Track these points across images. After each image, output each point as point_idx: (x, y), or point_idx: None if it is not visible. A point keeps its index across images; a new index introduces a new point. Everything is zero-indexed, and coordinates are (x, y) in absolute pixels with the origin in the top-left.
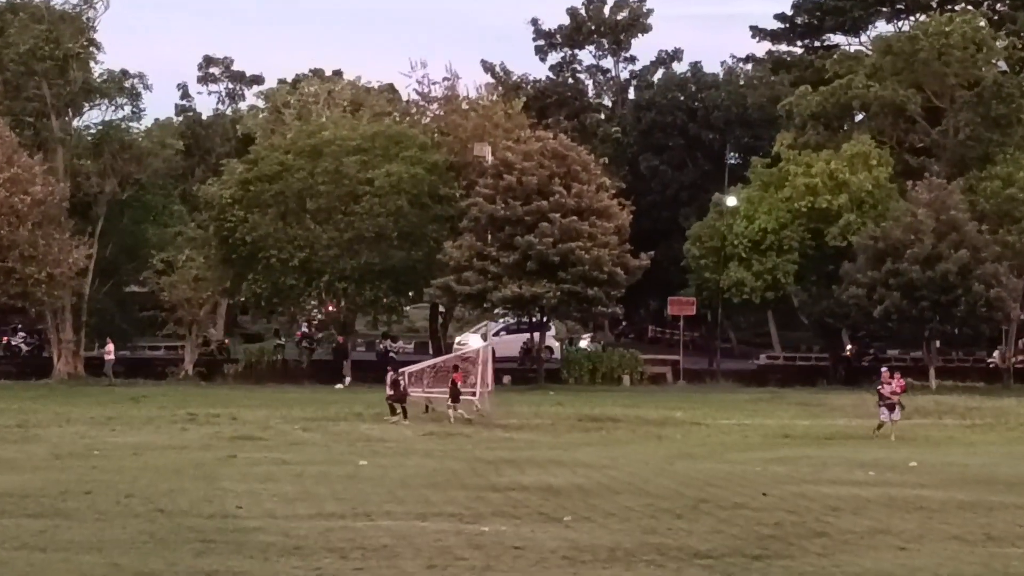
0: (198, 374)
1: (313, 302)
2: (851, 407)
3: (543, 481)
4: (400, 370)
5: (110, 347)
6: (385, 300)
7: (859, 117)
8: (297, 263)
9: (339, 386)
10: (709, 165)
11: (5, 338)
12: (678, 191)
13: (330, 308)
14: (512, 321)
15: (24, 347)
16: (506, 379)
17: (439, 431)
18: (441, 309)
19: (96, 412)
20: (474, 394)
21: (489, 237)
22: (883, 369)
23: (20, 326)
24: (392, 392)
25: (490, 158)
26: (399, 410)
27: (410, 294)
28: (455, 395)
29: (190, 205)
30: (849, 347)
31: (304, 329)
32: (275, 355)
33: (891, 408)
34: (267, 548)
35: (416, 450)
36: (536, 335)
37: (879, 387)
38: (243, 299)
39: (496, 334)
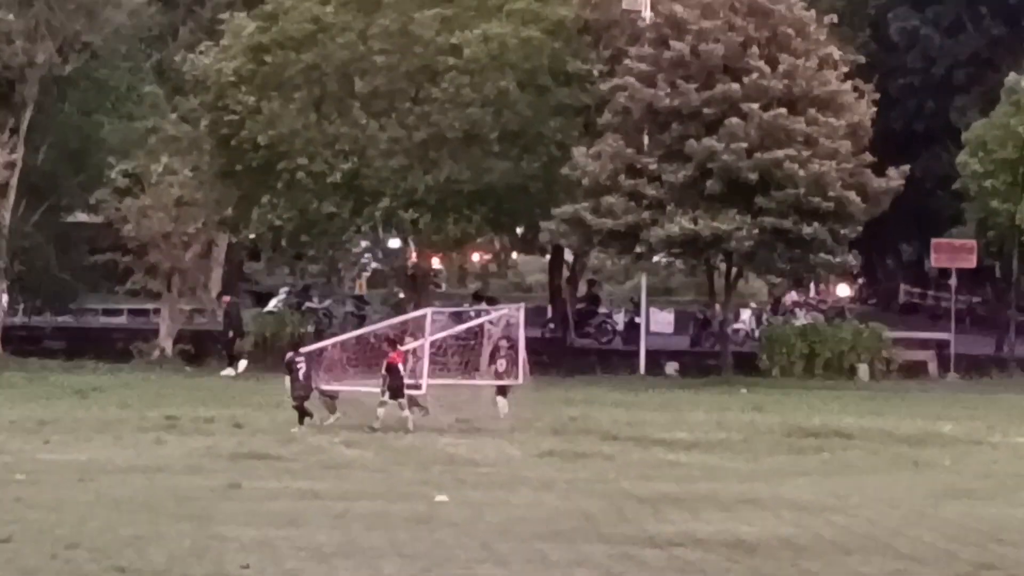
0: (181, 354)
1: (363, 242)
2: None
3: (729, 531)
4: (300, 350)
5: None
6: (479, 239)
7: None
8: (339, 179)
9: (228, 372)
10: (1001, 28)
11: None
12: (950, 69)
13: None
14: None
15: None
16: (671, 368)
17: (562, 449)
18: (568, 256)
19: (20, 412)
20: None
21: (646, 140)
22: None
23: None
24: (295, 386)
25: (648, 14)
26: (308, 415)
27: (518, 230)
28: (394, 387)
29: (171, 85)
30: None
31: (355, 290)
32: (303, 325)
33: None
34: None
35: (527, 479)
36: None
37: None
38: (253, 236)
39: None
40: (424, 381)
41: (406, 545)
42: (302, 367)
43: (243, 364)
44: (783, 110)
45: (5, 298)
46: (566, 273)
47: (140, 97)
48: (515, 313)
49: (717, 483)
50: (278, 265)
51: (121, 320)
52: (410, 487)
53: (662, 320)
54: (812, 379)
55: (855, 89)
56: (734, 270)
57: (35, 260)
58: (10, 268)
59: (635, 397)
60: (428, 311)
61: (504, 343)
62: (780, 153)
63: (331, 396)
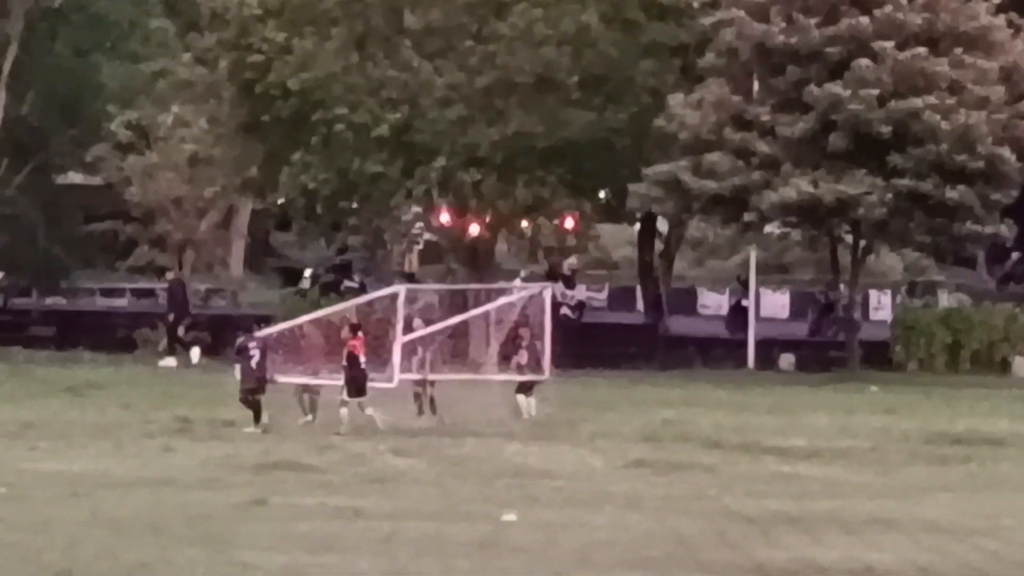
0: (195, 342)
1: (415, 209)
2: None
3: (856, 558)
4: (255, 334)
5: None
6: (555, 205)
7: None
8: (386, 132)
9: (169, 362)
10: None
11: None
12: None
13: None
14: None
15: None
16: (786, 361)
17: (653, 459)
18: (662, 226)
19: (1, 413)
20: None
21: (756, 86)
22: None
23: None
24: (246, 375)
25: None
26: (256, 411)
27: (601, 195)
28: (355, 382)
29: (183, 20)
30: None
31: (404, 266)
32: None
33: None
34: None
35: (611, 495)
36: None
37: None
38: (282, 201)
39: None
40: (396, 374)
41: (466, 574)
42: (256, 354)
43: (196, 354)
44: (922, 49)
45: None
46: (659, 246)
47: (146, 34)
48: (539, 294)
49: (841, 500)
50: (312, 237)
51: (123, 302)
52: (471, 504)
53: (775, 303)
54: (957, 375)
55: (1010, 25)
56: (862, 243)
57: (19, 230)
58: None
59: (742, 396)
60: (401, 288)
61: (525, 331)
62: (919, 101)
63: (313, 392)
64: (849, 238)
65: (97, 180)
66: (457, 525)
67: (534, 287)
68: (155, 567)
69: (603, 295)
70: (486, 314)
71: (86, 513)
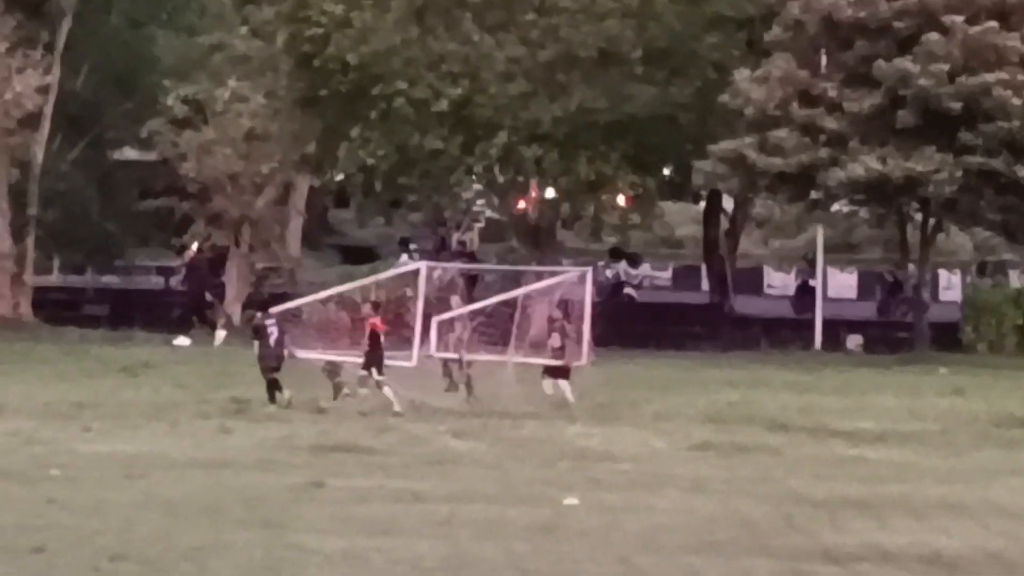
0: (251, 322)
1: (476, 186)
2: None
3: (924, 544)
4: (270, 311)
5: None
6: (618, 182)
7: None
8: (446, 108)
9: (182, 340)
10: None
11: None
12: None
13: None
14: None
15: None
16: (854, 342)
17: (718, 441)
18: (727, 204)
19: (55, 393)
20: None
21: (823, 61)
22: None
23: None
24: (265, 353)
25: None
26: (277, 389)
27: (665, 171)
28: (372, 358)
29: None
30: None
31: (458, 238)
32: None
33: None
34: None
35: (675, 478)
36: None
37: None
38: (340, 178)
39: None
40: (415, 352)
41: (526, 559)
42: (274, 332)
43: (220, 335)
44: (994, 23)
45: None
46: (724, 225)
47: (202, 6)
48: (578, 277)
49: (909, 484)
50: (371, 214)
51: (178, 280)
52: (531, 487)
53: (843, 283)
54: None
55: None
56: (932, 221)
57: (73, 206)
58: (43, 216)
59: (809, 377)
60: (422, 264)
61: (559, 314)
62: (990, 77)
63: (334, 370)
64: (918, 216)
65: (152, 156)
66: (517, 508)
67: (576, 270)
68: (210, 550)
69: (667, 274)
70: (527, 295)
71: (140, 495)
